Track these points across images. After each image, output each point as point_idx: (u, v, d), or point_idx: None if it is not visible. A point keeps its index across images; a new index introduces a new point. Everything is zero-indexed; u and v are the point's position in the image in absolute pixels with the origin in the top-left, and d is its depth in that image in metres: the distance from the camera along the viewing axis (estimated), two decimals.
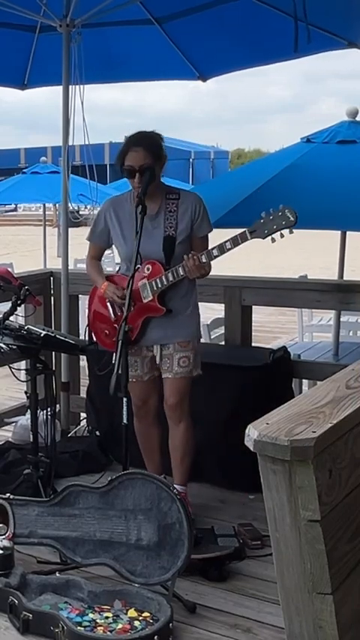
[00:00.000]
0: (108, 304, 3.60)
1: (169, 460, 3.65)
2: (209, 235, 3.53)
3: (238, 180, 5.20)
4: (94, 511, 3.05)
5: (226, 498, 3.94)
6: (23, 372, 4.23)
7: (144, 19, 4.83)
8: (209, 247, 3.41)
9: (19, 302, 3.65)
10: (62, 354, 4.75)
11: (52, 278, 5.06)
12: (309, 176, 4.49)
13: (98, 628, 2.68)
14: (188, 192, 3.56)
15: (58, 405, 4.42)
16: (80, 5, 4.36)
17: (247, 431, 1.66)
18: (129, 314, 3.30)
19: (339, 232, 5.43)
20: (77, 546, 3.09)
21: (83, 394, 4.86)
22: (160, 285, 3.41)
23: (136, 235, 3.26)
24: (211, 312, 6.11)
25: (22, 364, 4.81)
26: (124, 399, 3.19)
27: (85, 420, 4.81)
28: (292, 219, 3.20)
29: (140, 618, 2.74)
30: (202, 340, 3.71)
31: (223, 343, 4.93)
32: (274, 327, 9.50)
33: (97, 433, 4.53)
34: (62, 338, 3.77)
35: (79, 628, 2.65)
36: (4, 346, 3.63)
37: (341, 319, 5.66)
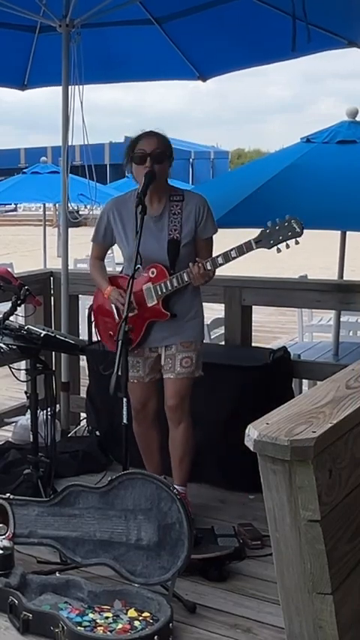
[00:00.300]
0: (112, 306, 3.60)
1: (169, 460, 3.64)
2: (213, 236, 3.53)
3: (238, 180, 5.20)
4: (94, 511, 3.05)
5: (226, 498, 3.94)
6: (23, 372, 4.23)
7: (144, 19, 4.83)
8: (213, 251, 3.41)
9: (19, 302, 3.65)
10: (62, 354, 4.75)
11: (52, 278, 5.06)
12: (309, 176, 4.49)
13: (98, 628, 2.68)
14: (193, 193, 3.54)
15: (58, 405, 4.42)
16: (80, 5, 4.36)
17: (247, 431, 1.66)
18: (133, 317, 3.30)
19: (339, 232, 5.43)
20: (77, 546, 3.09)
21: (83, 394, 4.86)
22: (164, 290, 3.40)
23: (136, 235, 3.26)
24: (211, 312, 6.10)
25: (22, 364, 4.81)
26: (124, 399, 3.19)
27: (85, 420, 4.81)
28: (298, 230, 3.21)
29: (140, 618, 2.74)
30: (203, 341, 3.71)
31: (223, 343, 4.93)
32: (274, 327, 9.50)
33: (97, 433, 4.53)
34: (62, 338, 3.77)
35: (79, 628, 2.65)
36: (4, 346, 3.63)
37: (341, 319, 5.66)
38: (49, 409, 3.72)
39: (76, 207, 11.29)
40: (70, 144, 4.67)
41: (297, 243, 3.24)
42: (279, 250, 3.24)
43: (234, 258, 3.29)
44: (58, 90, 4.67)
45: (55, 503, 3.13)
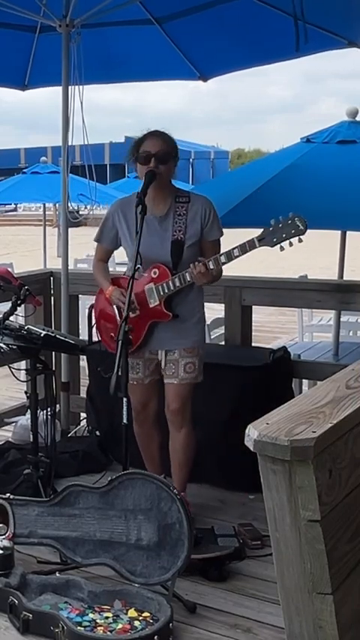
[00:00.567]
0: (114, 306, 3.59)
1: (170, 461, 3.64)
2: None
3: (238, 180, 5.20)
4: (94, 511, 3.05)
5: (226, 498, 3.94)
6: (23, 372, 4.23)
7: (144, 19, 4.83)
8: (220, 251, 3.41)
9: (19, 302, 3.65)
10: (62, 354, 4.75)
11: (52, 278, 5.06)
12: (309, 176, 4.49)
13: (98, 628, 2.68)
14: (198, 196, 3.53)
15: (58, 405, 4.42)
16: (80, 5, 4.36)
17: (247, 431, 1.66)
18: (135, 318, 3.29)
19: (339, 232, 5.43)
20: (77, 546, 3.09)
21: (83, 394, 4.86)
22: (166, 290, 3.39)
23: (136, 235, 3.26)
24: (211, 312, 6.10)
25: (22, 364, 4.81)
26: (124, 399, 3.18)
27: (85, 420, 4.81)
28: (301, 227, 3.19)
29: (140, 618, 2.74)
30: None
31: (223, 343, 4.93)
32: (274, 327, 9.49)
33: (97, 433, 4.53)
34: (62, 338, 3.77)
35: (79, 628, 2.65)
36: (4, 346, 3.63)
37: (341, 319, 5.66)
38: (49, 409, 3.72)
39: (76, 207, 11.30)
40: (70, 144, 4.67)
41: (300, 241, 3.23)
42: (282, 248, 3.23)
43: (237, 256, 3.27)
44: (58, 90, 4.67)
45: (55, 503, 3.13)
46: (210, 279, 3.37)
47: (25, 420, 4.68)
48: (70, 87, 4.54)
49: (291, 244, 3.23)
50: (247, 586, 3.10)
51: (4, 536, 3.10)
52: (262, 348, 4.64)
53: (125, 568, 2.96)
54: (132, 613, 2.77)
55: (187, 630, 2.78)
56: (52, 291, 5.04)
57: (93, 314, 3.85)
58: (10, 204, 28.14)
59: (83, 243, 11.26)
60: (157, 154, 3.34)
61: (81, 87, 4.48)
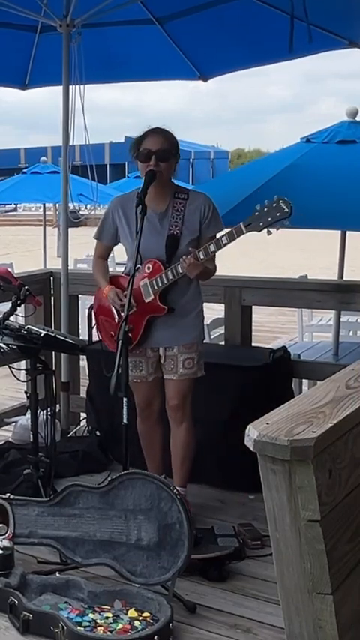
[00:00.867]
0: (112, 306, 3.59)
1: (170, 460, 3.65)
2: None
3: (238, 180, 5.20)
4: (94, 511, 3.05)
5: (226, 498, 3.94)
6: (23, 372, 4.23)
7: (144, 19, 4.83)
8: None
9: (19, 302, 3.65)
10: (62, 354, 4.75)
11: (52, 278, 5.06)
12: (309, 176, 4.49)
13: (98, 628, 2.68)
14: (198, 193, 3.53)
15: (58, 405, 4.42)
16: (80, 5, 4.36)
17: (247, 431, 1.66)
18: (132, 314, 3.29)
19: (339, 232, 5.43)
20: (77, 546, 3.09)
21: (83, 394, 4.86)
22: (160, 284, 3.39)
23: (136, 235, 3.26)
24: (211, 312, 6.09)
25: (22, 364, 4.81)
26: (124, 399, 3.19)
27: (85, 420, 4.80)
28: (286, 209, 3.18)
29: (140, 618, 2.74)
30: (204, 340, 3.71)
31: (223, 343, 4.93)
32: (274, 327, 9.49)
33: (97, 433, 4.53)
34: (62, 338, 3.77)
35: (79, 628, 2.65)
36: (4, 346, 3.63)
37: (341, 319, 5.66)
38: (49, 409, 3.72)
39: (77, 207, 11.29)
40: (70, 144, 4.67)
41: (286, 225, 3.20)
42: (269, 232, 3.21)
43: (225, 244, 3.26)
44: (58, 90, 4.67)
45: (55, 503, 3.13)
46: (202, 271, 3.34)
47: (25, 420, 4.68)
48: (70, 87, 4.54)
49: (277, 228, 3.21)
50: (247, 586, 3.10)
51: (4, 536, 3.10)
52: (262, 348, 4.64)
53: (125, 568, 2.96)
54: (132, 613, 2.77)
55: (187, 630, 2.78)
56: (52, 291, 5.04)
57: (93, 312, 3.85)
58: (10, 204, 28.14)
59: (83, 243, 11.23)
60: (158, 152, 3.34)
61: (81, 87, 4.48)
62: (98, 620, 2.72)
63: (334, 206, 4.23)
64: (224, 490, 3.99)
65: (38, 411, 3.74)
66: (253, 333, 4.58)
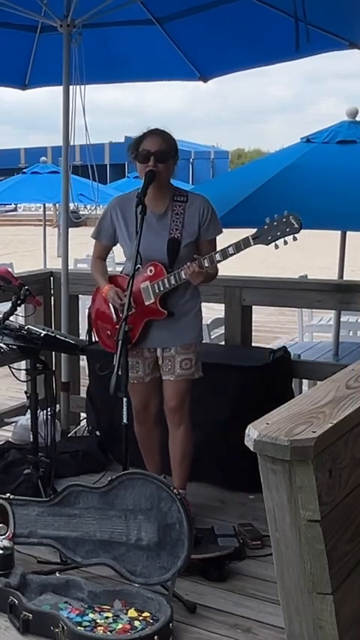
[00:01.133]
0: (110, 306, 3.59)
1: (170, 461, 3.65)
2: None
3: (238, 180, 5.20)
4: (94, 511, 3.05)
5: (226, 498, 3.94)
6: (23, 372, 4.23)
7: (145, 19, 4.83)
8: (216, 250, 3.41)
9: (19, 302, 3.65)
10: (62, 354, 4.75)
11: (52, 278, 5.06)
12: (309, 176, 4.49)
13: (98, 628, 2.68)
14: (196, 195, 3.54)
15: (58, 405, 4.42)
16: (81, 5, 4.36)
17: (247, 431, 1.67)
18: (130, 315, 3.29)
19: (339, 232, 5.43)
20: (77, 546, 3.09)
21: (83, 394, 4.86)
22: (162, 288, 3.40)
23: (137, 235, 3.26)
24: (211, 312, 6.10)
25: (22, 364, 4.81)
26: (124, 399, 3.19)
27: (85, 420, 4.80)
28: (296, 226, 3.18)
29: (140, 618, 2.74)
30: (202, 341, 3.71)
31: (223, 343, 4.93)
32: (274, 327, 9.49)
33: (97, 433, 4.53)
34: (62, 338, 3.77)
35: (79, 628, 2.65)
36: (4, 346, 3.63)
37: (341, 319, 5.66)
38: (49, 409, 3.72)
39: (77, 207, 11.27)
40: (70, 144, 4.67)
41: (295, 239, 3.23)
42: (277, 247, 3.23)
43: (232, 254, 3.27)
44: (58, 90, 4.67)
45: (55, 503, 3.13)
46: (205, 278, 3.37)
47: (25, 420, 4.68)
48: (70, 87, 4.54)
49: (286, 242, 3.23)
50: (247, 586, 3.10)
51: (4, 536, 3.10)
52: (262, 348, 4.64)
53: (125, 568, 2.96)
54: (132, 613, 2.77)
55: (187, 630, 2.78)
56: (52, 291, 5.04)
57: (89, 312, 3.85)
58: (10, 204, 28.14)
59: (83, 243, 11.21)
60: (157, 153, 3.35)
61: (82, 87, 4.48)
62: (98, 620, 2.72)
63: (334, 206, 4.24)
64: (224, 490, 3.99)
65: (38, 411, 3.74)
66: (253, 333, 4.58)
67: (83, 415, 4.89)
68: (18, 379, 3.94)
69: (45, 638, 2.69)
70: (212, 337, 5.57)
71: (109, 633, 2.65)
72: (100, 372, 3.63)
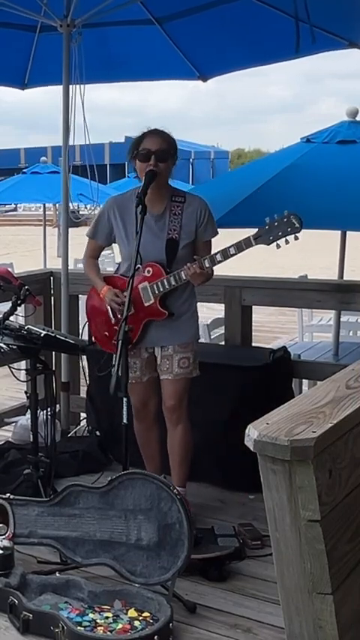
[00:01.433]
0: (107, 306, 3.59)
1: (169, 459, 3.64)
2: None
3: (238, 180, 5.20)
4: (94, 511, 3.05)
5: (226, 498, 3.94)
6: (23, 372, 4.23)
7: (144, 19, 4.83)
8: (212, 251, 3.41)
9: (19, 302, 3.65)
10: (62, 354, 4.75)
11: (52, 278, 5.06)
12: (309, 176, 4.49)
13: (98, 628, 2.68)
14: (194, 196, 3.55)
15: (58, 405, 4.42)
16: (81, 5, 4.36)
17: (247, 431, 1.67)
18: (130, 317, 3.29)
19: (339, 232, 5.43)
20: (77, 546, 3.09)
21: (83, 394, 4.86)
22: (161, 289, 3.40)
23: (136, 235, 3.26)
24: (211, 312, 6.10)
25: (22, 364, 4.81)
26: (124, 399, 3.19)
27: (85, 420, 4.80)
28: (297, 225, 3.19)
29: (140, 618, 2.74)
30: (202, 340, 3.71)
31: (223, 343, 4.93)
32: (274, 327, 9.49)
33: (97, 433, 4.53)
34: (62, 338, 3.77)
35: (79, 628, 2.65)
36: (4, 346, 3.63)
37: (341, 319, 5.66)
38: (49, 409, 3.72)
39: (77, 207, 11.28)
40: (70, 144, 4.66)
41: (296, 238, 3.23)
42: (278, 246, 3.23)
43: (233, 255, 3.28)
44: (58, 90, 4.67)
45: (55, 503, 3.13)
46: (205, 279, 3.38)
47: (25, 420, 4.68)
48: (70, 86, 4.54)
49: (287, 242, 3.23)
50: (247, 586, 3.10)
51: (4, 536, 3.10)
52: (262, 348, 4.64)
53: (125, 568, 2.96)
54: (132, 613, 2.77)
55: (187, 630, 2.78)
56: (52, 291, 5.04)
57: (85, 312, 3.85)
58: (10, 204, 28.13)
59: (83, 243, 11.22)
60: (157, 152, 3.35)
61: (81, 86, 4.48)
62: (98, 620, 2.72)
63: (334, 206, 4.24)
64: (224, 490, 3.99)
65: (38, 411, 3.74)
66: (253, 333, 4.58)
67: (83, 415, 4.89)
68: (18, 379, 3.94)
69: (45, 638, 2.69)
70: (212, 337, 5.57)
71: (109, 633, 2.65)
72: (99, 373, 3.62)
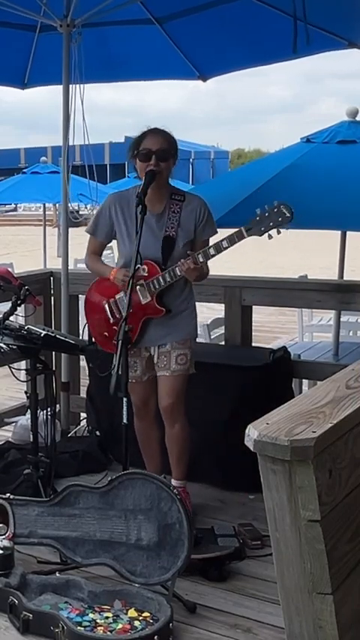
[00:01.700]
0: (105, 306, 3.59)
1: (168, 457, 3.64)
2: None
3: (238, 180, 5.20)
4: (94, 511, 3.05)
5: (226, 498, 3.94)
6: (23, 372, 4.23)
7: (144, 18, 4.83)
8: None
9: (19, 302, 3.65)
10: (62, 354, 4.75)
11: (52, 278, 5.06)
12: (309, 176, 4.49)
13: (98, 628, 2.68)
14: (193, 195, 3.55)
15: (58, 405, 4.42)
16: (80, 5, 4.36)
17: (247, 431, 1.67)
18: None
19: (339, 232, 5.43)
20: (77, 546, 3.08)
21: (83, 394, 4.86)
22: (157, 286, 3.40)
23: (137, 235, 3.26)
24: (211, 312, 6.11)
25: (22, 364, 4.81)
26: (124, 399, 3.18)
27: (85, 420, 4.81)
28: (287, 214, 3.20)
29: (140, 618, 2.74)
30: (202, 340, 3.71)
31: (223, 343, 4.93)
32: (274, 327, 9.49)
33: (97, 433, 4.53)
34: (62, 338, 3.77)
35: (79, 628, 2.65)
36: (4, 346, 3.63)
37: (341, 319, 5.66)
38: (49, 409, 3.72)
39: (77, 207, 11.27)
40: (70, 144, 4.66)
41: (287, 228, 3.22)
42: (270, 237, 3.23)
43: (226, 248, 3.28)
44: (57, 90, 4.67)
45: (55, 503, 3.13)
46: (200, 275, 3.37)
47: (25, 420, 4.68)
48: (70, 86, 4.54)
49: (279, 232, 3.23)
50: (247, 586, 3.10)
51: (4, 536, 3.10)
52: (262, 348, 4.64)
53: (125, 568, 2.96)
54: (132, 613, 2.77)
55: (187, 630, 2.78)
56: (52, 291, 5.04)
57: (84, 312, 3.84)
58: (10, 204, 28.14)
59: (83, 243, 11.21)
60: (158, 152, 3.35)
61: (81, 86, 4.47)
62: (98, 620, 2.72)
63: (334, 206, 4.24)
64: (224, 490, 3.99)
65: (38, 411, 3.74)
66: (253, 333, 4.58)
67: (83, 415, 4.89)
68: (18, 379, 3.94)
69: (45, 638, 2.69)
70: (212, 337, 5.57)
71: (109, 633, 2.65)
72: (100, 374, 3.62)
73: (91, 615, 2.76)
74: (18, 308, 3.69)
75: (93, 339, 3.73)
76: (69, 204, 5.03)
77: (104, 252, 3.83)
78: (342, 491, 1.74)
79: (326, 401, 1.81)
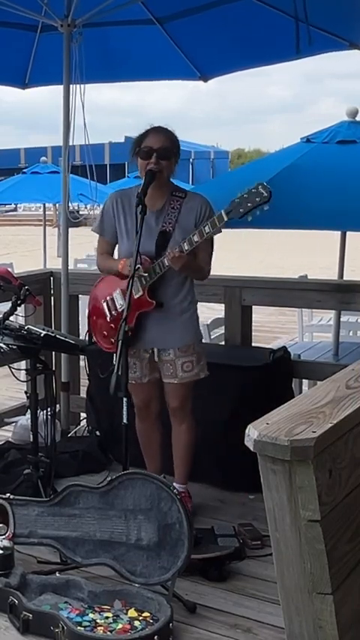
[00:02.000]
0: (104, 305, 3.58)
1: (170, 460, 3.65)
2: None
3: (238, 181, 5.18)
4: (94, 511, 3.05)
5: (226, 498, 3.94)
6: (23, 372, 4.23)
7: (145, 18, 4.83)
8: (213, 249, 3.40)
9: (19, 302, 3.65)
10: (62, 354, 4.75)
11: (52, 278, 5.06)
12: (309, 176, 4.49)
13: (98, 628, 2.68)
14: (196, 194, 3.53)
15: (58, 405, 4.42)
16: (81, 5, 4.36)
17: (247, 431, 1.66)
18: (122, 312, 3.28)
19: (339, 232, 5.43)
20: (77, 546, 3.09)
21: (83, 394, 4.86)
22: (148, 279, 3.38)
23: (137, 235, 3.25)
24: (211, 312, 6.10)
25: (22, 364, 4.81)
26: (124, 399, 3.18)
27: (85, 420, 4.81)
28: (265, 194, 3.20)
29: (140, 618, 2.74)
30: (202, 340, 3.70)
31: (223, 343, 4.93)
32: (274, 327, 9.49)
33: (97, 433, 4.53)
34: (62, 338, 3.77)
35: (79, 628, 2.65)
36: (4, 346, 3.63)
37: (341, 319, 5.67)
38: (49, 409, 3.72)
39: (77, 207, 11.27)
40: (70, 144, 4.67)
41: (265, 209, 3.22)
42: (250, 219, 3.22)
43: (208, 233, 3.27)
44: (58, 90, 4.67)
45: (55, 503, 3.13)
46: (188, 265, 3.33)
47: (25, 420, 4.68)
48: (70, 86, 4.54)
49: (257, 213, 3.23)
50: (247, 586, 3.10)
51: (4, 536, 3.10)
52: (262, 348, 4.64)
53: (125, 568, 2.96)
54: (132, 613, 2.77)
55: (187, 630, 2.78)
56: (52, 291, 5.04)
57: (87, 312, 3.83)
58: (10, 204, 28.14)
59: (83, 243, 11.25)
60: (159, 150, 3.34)
61: (82, 86, 4.47)
62: (98, 620, 2.72)
63: (334, 206, 4.23)
64: (224, 490, 3.99)
65: (38, 411, 3.74)
66: (253, 333, 4.58)
67: (83, 415, 4.89)
68: (18, 379, 3.94)
69: (45, 638, 2.69)
70: (212, 337, 5.57)
71: (109, 633, 2.65)
72: (101, 375, 3.61)
73: (91, 615, 2.76)
74: (18, 308, 3.69)
75: (93, 339, 3.72)
76: (69, 204, 5.03)
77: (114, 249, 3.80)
78: (342, 491, 1.74)
79: (326, 401, 1.81)
